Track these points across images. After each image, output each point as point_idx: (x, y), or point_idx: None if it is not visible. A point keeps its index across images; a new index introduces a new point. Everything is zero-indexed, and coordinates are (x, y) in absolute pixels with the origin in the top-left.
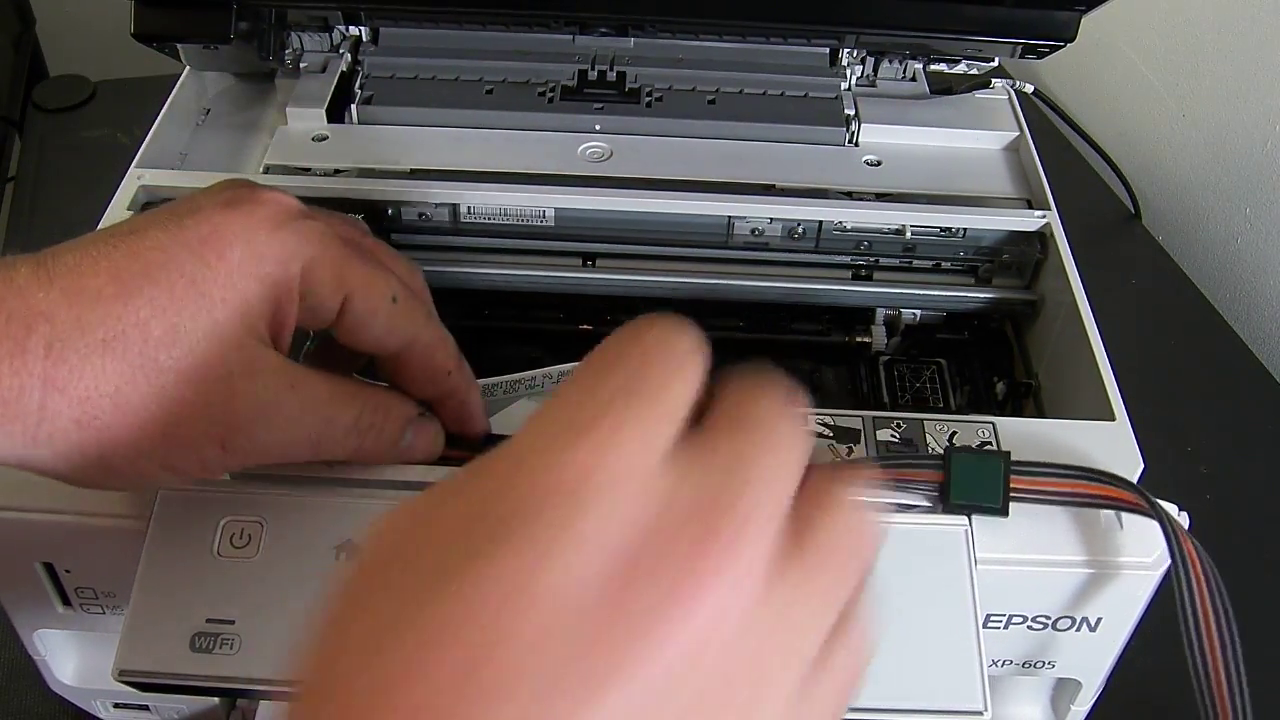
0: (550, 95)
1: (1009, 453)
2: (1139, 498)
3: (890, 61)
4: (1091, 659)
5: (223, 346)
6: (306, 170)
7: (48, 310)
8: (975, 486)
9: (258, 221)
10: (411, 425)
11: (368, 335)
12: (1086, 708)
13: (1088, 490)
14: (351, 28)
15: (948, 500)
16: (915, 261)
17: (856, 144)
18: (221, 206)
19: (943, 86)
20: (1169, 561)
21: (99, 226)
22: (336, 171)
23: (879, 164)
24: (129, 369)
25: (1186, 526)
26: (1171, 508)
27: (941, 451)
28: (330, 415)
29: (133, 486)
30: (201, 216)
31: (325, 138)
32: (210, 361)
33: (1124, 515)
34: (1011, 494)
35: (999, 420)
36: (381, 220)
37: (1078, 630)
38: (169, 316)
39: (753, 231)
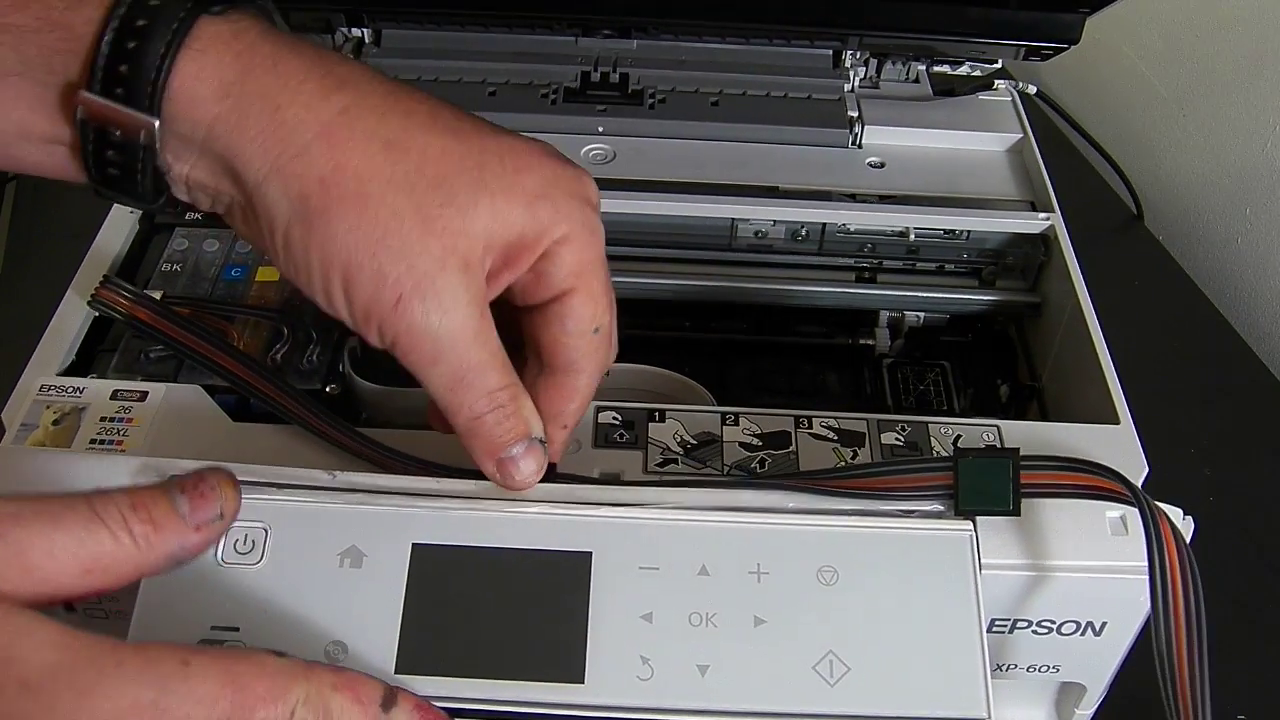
0: (553, 97)
1: (1018, 450)
2: (1121, 485)
3: (893, 63)
4: (1096, 663)
5: (465, 225)
6: None
7: (364, 88)
8: (985, 491)
9: (567, 179)
10: (530, 443)
11: (551, 334)
12: (1090, 712)
13: (1071, 481)
14: (354, 30)
15: (957, 507)
16: (919, 264)
17: (860, 146)
18: (553, 152)
19: (946, 88)
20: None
21: (101, 227)
22: None
23: (882, 166)
24: (392, 177)
25: (1191, 531)
26: (1176, 511)
27: (947, 454)
28: (485, 363)
29: (297, 277)
30: (530, 142)
31: None
32: (448, 229)
33: (1129, 520)
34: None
35: (1003, 424)
36: None
37: (1082, 635)
38: (448, 168)
39: (756, 234)
